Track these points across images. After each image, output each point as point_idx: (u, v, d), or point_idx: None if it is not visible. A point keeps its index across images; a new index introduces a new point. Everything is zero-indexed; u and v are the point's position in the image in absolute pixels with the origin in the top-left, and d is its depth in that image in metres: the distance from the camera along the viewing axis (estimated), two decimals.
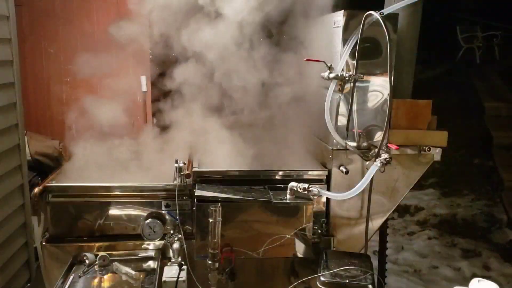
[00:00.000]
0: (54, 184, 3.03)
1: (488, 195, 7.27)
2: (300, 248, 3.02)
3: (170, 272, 2.78)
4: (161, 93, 3.82)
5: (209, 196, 2.86)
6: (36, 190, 2.91)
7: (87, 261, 2.83)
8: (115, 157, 3.62)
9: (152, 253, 3.03)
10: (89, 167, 3.41)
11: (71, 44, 4.55)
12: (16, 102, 3.27)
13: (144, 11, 3.47)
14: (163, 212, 3.07)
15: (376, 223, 3.26)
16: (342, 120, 3.07)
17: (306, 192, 2.89)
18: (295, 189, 2.93)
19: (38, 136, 4.33)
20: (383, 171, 2.85)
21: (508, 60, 11.44)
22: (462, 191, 7.48)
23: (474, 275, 5.21)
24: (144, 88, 4.50)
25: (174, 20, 3.39)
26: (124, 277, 2.73)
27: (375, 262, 3.65)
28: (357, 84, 2.97)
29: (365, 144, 3.08)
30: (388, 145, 3.00)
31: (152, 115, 4.35)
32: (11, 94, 3.21)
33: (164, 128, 3.67)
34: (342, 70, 2.95)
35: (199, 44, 3.39)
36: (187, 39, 3.35)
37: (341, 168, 3.07)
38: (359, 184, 2.79)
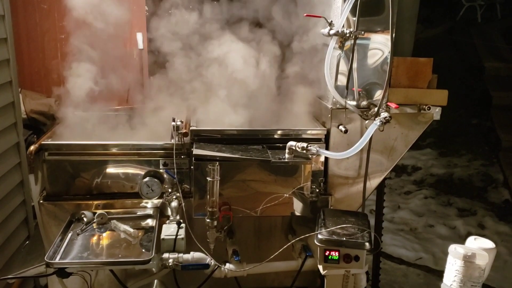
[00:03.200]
0: (50, 142, 3.00)
1: (486, 155, 7.29)
2: (298, 207, 3.03)
3: (169, 230, 2.79)
4: (158, 50, 3.74)
5: (207, 155, 2.85)
6: (32, 148, 2.88)
7: (85, 219, 2.84)
8: (112, 116, 3.59)
9: (150, 211, 3.04)
10: (85, 125, 3.38)
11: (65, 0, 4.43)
12: (9, 59, 3.21)
13: None
14: (161, 170, 3.06)
15: (374, 182, 3.27)
16: (342, 79, 3.02)
17: (304, 151, 2.87)
18: (294, 148, 2.91)
19: (33, 94, 4.28)
20: (382, 130, 2.83)
21: (510, 19, 11.26)
22: (459, 151, 7.50)
23: (469, 234, 5.28)
24: (140, 46, 4.41)
25: None
26: (122, 235, 2.74)
27: (371, 221, 3.68)
28: (357, 41, 2.91)
29: (364, 103, 3.05)
30: (388, 103, 2.97)
31: (149, 73, 4.28)
32: (3, 50, 3.15)
33: (161, 86, 3.61)
34: (343, 26, 2.87)
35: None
36: None
37: (340, 127, 3.04)
38: (357, 143, 2.77)
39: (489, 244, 2.32)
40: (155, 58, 3.72)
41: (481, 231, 5.44)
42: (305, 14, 2.94)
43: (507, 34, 10.24)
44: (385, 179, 3.48)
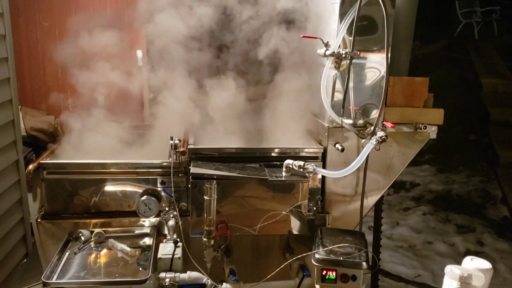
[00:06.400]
0: (48, 161, 3.01)
1: (484, 172, 7.30)
2: (295, 225, 3.04)
3: (166, 249, 2.79)
4: (157, 68, 3.77)
5: (204, 174, 2.86)
6: (31, 167, 2.90)
7: (82, 238, 2.85)
8: (111, 133, 3.60)
9: (147, 230, 3.04)
10: (84, 143, 3.40)
11: (66, 17, 4.49)
12: (9, 77, 3.24)
13: None
14: (158, 189, 3.07)
15: (371, 200, 3.28)
16: (338, 97, 3.05)
17: (301, 169, 2.89)
18: (291, 166, 2.93)
19: (33, 111, 4.32)
20: (379, 149, 2.85)
21: (507, 35, 11.36)
22: (457, 167, 7.51)
23: (468, 251, 5.27)
24: (140, 63, 4.46)
25: None
26: (119, 254, 2.75)
27: (370, 238, 3.68)
28: (354, 61, 2.94)
29: (361, 121, 3.07)
30: (384, 123, 3.00)
31: (148, 90, 4.32)
32: (4, 69, 3.19)
33: (160, 104, 3.64)
34: (339, 47, 2.91)
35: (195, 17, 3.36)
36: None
37: (337, 145, 3.06)
38: (354, 163, 2.78)
39: (485, 264, 2.33)
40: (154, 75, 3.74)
41: (480, 248, 5.42)
42: (301, 35, 2.98)
43: (504, 51, 10.32)
44: (382, 196, 3.49)
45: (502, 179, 6.83)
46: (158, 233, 3.02)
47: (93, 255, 2.76)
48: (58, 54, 3.46)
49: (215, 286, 2.83)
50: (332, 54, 2.89)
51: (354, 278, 2.63)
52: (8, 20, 3.20)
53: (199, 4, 3.32)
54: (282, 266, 2.85)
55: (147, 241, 2.95)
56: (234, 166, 3.03)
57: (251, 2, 3.35)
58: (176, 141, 2.99)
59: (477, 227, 5.89)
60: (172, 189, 3.01)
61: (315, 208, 3.14)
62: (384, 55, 2.91)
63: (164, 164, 3.06)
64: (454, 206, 6.45)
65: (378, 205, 3.85)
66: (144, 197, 2.98)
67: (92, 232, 2.88)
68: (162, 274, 2.70)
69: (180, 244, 2.83)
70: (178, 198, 3.06)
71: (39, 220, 3.00)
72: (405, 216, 6.24)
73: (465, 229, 5.86)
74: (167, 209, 3.03)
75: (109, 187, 3.05)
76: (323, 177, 3.18)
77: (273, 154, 3.18)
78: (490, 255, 5.23)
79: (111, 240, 2.81)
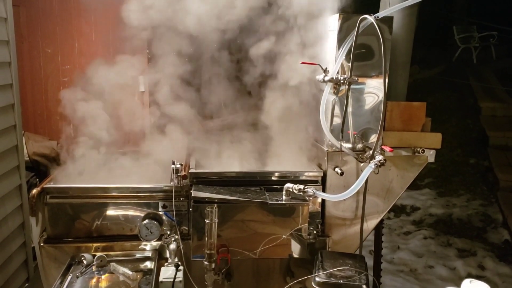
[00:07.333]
0: (52, 185, 3.05)
1: (484, 195, 7.31)
2: (296, 249, 3.05)
3: (167, 272, 2.80)
4: (158, 93, 3.83)
5: (205, 197, 2.89)
6: (34, 191, 2.94)
7: (84, 262, 2.86)
8: (113, 158, 3.64)
9: (149, 254, 3.06)
10: (86, 168, 3.43)
11: (68, 44, 4.58)
12: (14, 104, 3.30)
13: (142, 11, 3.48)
14: (160, 213, 3.09)
15: (371, 223, 3.30)
16: (337, 122, 3.10)
17: (301, 193, 2.92)
18: (291, 190, 2.96)
19: (36, 136, 4.36)
20: (377, 173, 2.88)
21: (505, 60, 11.50)
22: (458, 191, 7.52)
23: (469, 275, 5.25)
24: (142, 88, 4.52)
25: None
26: (121, 278, 2.76)
27: (371, 262, 3.68)
28: (352, 86, 3.00)
29: (360, 145, 3.11)
30: (382, 147, 3.04)
31: (149, 115, 4.36)
32: (9, 95, 3.24)
33: (161, 129, 3.69)
34: (337, 73, 2.97)
35: (196, 45, 3.43)
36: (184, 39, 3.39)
37: (336, 169, 3.10)
38: (353, 186, 2.82)
39: (484, 287, 2.33)
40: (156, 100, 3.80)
41: (482, 272, 5.39)
42: (300, 62, 3.04)
43: (502, 75, 10.44)
44: (382, 220, 3.50)
45: (502, 202, 6.83)
46: (159, 256, 3.04)
47: (95, 279, 2.77)
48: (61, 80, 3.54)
49: None
50: (331, 80, 2.95)
51: None
52: (13, 48, 3.27)
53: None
54: None
55: (149, 264, 2.96)
56: (234, 189, 3.06)
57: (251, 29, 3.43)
58: (178, 165, 3.02)
59: (478, 251, 5.87)
60: (174, 212, 3.04)
61: (315, 232, 3.16)
62: (382, 80, 2.97)
63: (166, 188, 3.09)
64: (455, 230, 6.44)
65: (378, 229, 3.87)
66: (146, 221, 3.00)
67: (94, 256, 2.89)
68: None
69: (181, 267, 2.84)
70: (179, 222, 3.09)
71: (41, 244, 3.02)
72: (406, 240, 6.22)
73: (466, 253, 5.84)
74: (168, 232, 3.05)
75: (111, 211, 3.08)
76: (323, 201, 3.21)
77: (273, 178, 3.22)
78: (492, 279, 5.20)
79: (113, 264, 2.82)
